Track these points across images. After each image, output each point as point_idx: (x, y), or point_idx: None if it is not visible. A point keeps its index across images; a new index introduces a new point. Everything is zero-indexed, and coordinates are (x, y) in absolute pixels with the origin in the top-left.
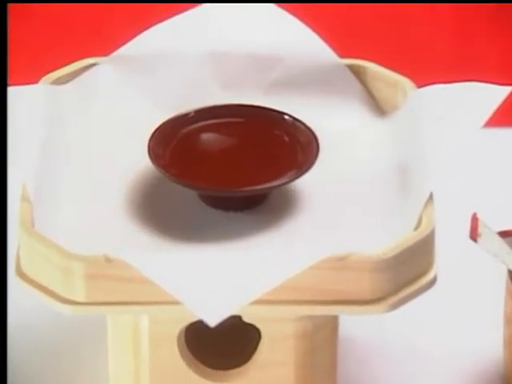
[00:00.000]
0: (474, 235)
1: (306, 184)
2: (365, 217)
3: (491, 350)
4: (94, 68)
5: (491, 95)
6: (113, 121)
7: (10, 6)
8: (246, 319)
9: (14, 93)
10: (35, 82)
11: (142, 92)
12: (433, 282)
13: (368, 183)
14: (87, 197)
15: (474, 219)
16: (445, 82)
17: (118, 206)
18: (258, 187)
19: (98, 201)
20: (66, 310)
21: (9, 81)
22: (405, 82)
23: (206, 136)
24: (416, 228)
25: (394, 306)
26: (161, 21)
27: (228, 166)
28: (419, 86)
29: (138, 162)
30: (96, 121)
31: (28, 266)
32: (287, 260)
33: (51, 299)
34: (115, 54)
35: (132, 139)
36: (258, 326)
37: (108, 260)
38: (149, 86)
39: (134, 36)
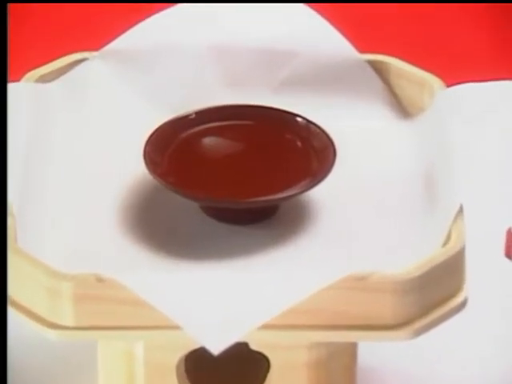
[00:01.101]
0: (509, 252)
1: (320, 194)
2: (386, 231)
3: None
4: (82, 64)
5: None
6: (104, 123)
7: (10, 6)
8: (253, 346)
9: None
10: None
11: (137, 91)
12: (463, 304)
13: (390, 194)
14: (76, 208)
15: (510, 234)
16: (477, 81)
17: (110, 218)
18: (267, 198)
19: (88, 213)
20: (52, 335)
21: (9, 81)
22: (432, 80)
23: (209, 140)
24: (444, 244)
25: (420, 332)
26: (159, 11)
27: (233, 175)
28: (448, 85)
29: (133, 170)
30: (86, 123)
31: (9, 286)
32: (299, 280)
33: (35, 323)
34: (107, 48)
35: (126, 144)
36: (267, 353)
37: (99, 279)
38: (145, 85)
39: (128, 28)
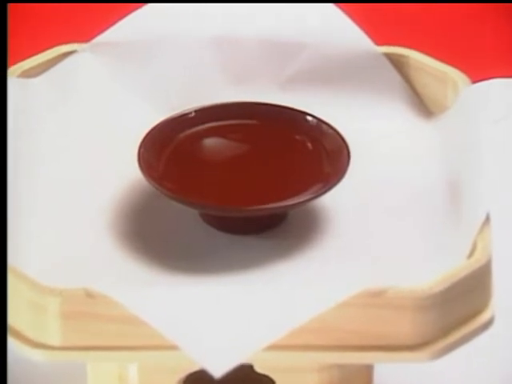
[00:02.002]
0: None
1: (332, 201)
2: (405, 242)
3: None
4: (71, 57)
5: None
6: (95, 122)
7: (10, 6)
8: (258, 369)
9: None
10: None
11: (131, 87)
12: (489, 322)
13: (410, 200)
14: (64, 216)
15: None
16: (505, 76)
17: (101, 227)
18: (274, 206)
19: (77, 220)
20: (37, 355)
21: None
22: (456, 75)
23: (210, 142)
24: (469, 256)
25: (442, 353)
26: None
27: (236, 180)
28: (474, 81)
29: (126, 174)
30: (74, 123)
31: None
32: (309, 296)
33: (19, 342)
34: (97, 39)
35: (119, 145)
36: (274, 376)
37: (89, 295)
38: (139, 80)
39: (121, 18)
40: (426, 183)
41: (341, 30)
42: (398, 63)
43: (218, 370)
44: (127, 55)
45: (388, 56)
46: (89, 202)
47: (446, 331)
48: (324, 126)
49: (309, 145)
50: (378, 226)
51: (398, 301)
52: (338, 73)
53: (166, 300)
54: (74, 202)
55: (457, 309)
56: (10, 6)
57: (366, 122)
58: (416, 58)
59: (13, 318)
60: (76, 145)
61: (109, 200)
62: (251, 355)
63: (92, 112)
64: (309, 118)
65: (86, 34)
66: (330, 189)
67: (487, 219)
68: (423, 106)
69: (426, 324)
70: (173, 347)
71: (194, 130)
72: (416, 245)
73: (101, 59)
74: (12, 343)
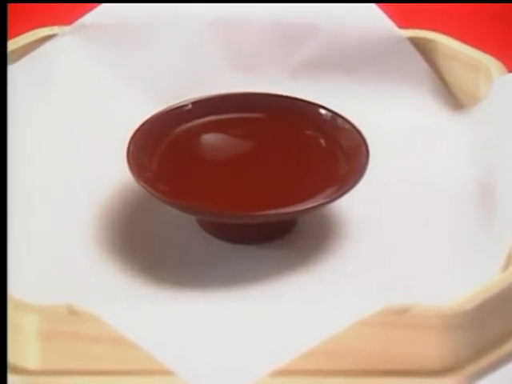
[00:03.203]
0: None
1: (348, 206)
2: (431, 252)
3: None
4: (51, 41)
5: None
6: (79, 115)
7: (10, 6)
8: None
9: None
10: None
11: (120, 75)
12: None
13: (436, 205)
14: (44, 223)
15: None
16: None
17: (86, 235)
18: (282, 211)
19: (58, 229)
20: (14, 380)
21: None
22: (490, 62)
23: (209, 138)
24: (503, 269)
25: (473, 379)
26: None
27: (239, 182)
28: (511, 70)
29: (114, 175)
30: (56, 115)
31: None
32: (321, 314)
33: None
34: (80, 21)
35: (106, 142)
36: None
37: (72, 312)
38: (129, 67)
39: None
40: (454, 185)
41: (358, 11)
42: (424, 49)
43: None
44: (114, 39)
45: (413, 40)
46: (72, 206)
47: (477, 354)
48: (339, 120)
49: (322, 141)
50: (400, 234)
51: (424, 320)
52: (355, 59)
53: (158, 319)
54: (54, 206)
55: (490, 328)
56: None
57: (387, 115)
58: (445, 43)
59: None
60: (57, 141)
61: (94, 204)
62: (255, 382)
63: (75, 104)
64: (322, 110)
65: (67, 16)
66: (345, 192)
67: None
68: (452, 98)
69: (455, 346)
70: (166, 372)
71: (190, 124)
72: (443, 256)
73: (84, 44)
74: None
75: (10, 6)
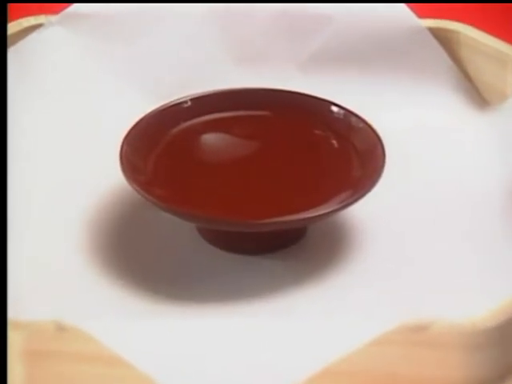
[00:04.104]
0: None
1: (362, 213)
2: (452, 264)
3: None
4: (36, 32)
5: None
6: (69, 112)
7: (10, 6)
8: None
9: None
10: None
11: (112, 69)
12: None
13: (458, 212)
14: (32, 230)
15: None
16: None
17: (76, 244)
18: (291, 219)
19: (47, 237)
20: None
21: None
22: None
23: (210, 138)
24: None
25: None
26: None
27: (243, 186)
28: None
29: (106, 177)
30: (43, 112)
31: None
32: (333, 331)
33: None
34: (68, 10)
35: (96, 141)
36: None
37: (60, 328)
38: (121, 60)
39: None
40: (478, 190)
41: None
42: (446, 40)
43: None
44: (105, 30)
45: (434, 31)
46: (60, 212)
47: (503, 375)
48: (353, 119)
49: (334, 142)
50: (418, 244)
51: (444, 338)
52: (370, 52)
53: (155, 336)
54: (41, 210)
55: None
56: None
57: (405, 113)
58: (469, 34)
59: None
60: (46, 140)
61: (84, 210)
62: None
63: (62, 100)
64: (334, 108)
65: (54, 5)
66: (359, 197)
67: None
68: (477, 94)
69: (478, 366)
70: None
71: (189, 123)
72: (465, 268)
73: (73, 35)
74: None
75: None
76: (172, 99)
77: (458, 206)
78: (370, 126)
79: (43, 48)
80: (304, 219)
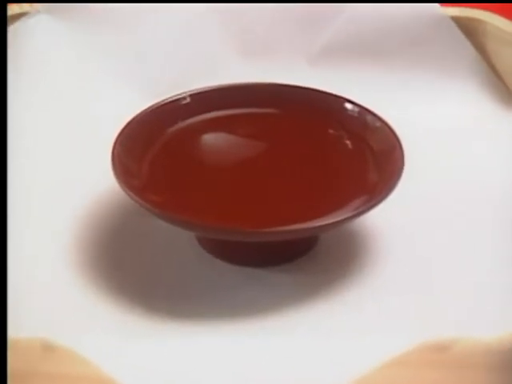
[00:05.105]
0: None
1: (379, 220)
2: (475, 277)
3: None
4: (21, 20)
5: None
6: (54, 109)
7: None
8: None
9: None
10: None
11: (103, 61)
12: None
13: (482, 219)
14: (18, 238)
15: None
16: None
17: (67, 255)
18: (300, 228)
19: (34, 248)
20: None
21: None
22: None
23: (210, 138)
24: None
25: None
26: None
27: (247, 191)
28: None
29: (99, 182)
30: (27, 107)
31: None
32: (347, 351)
33: None
34: None
35: (86, 141)
36: None
37: (47, 347)
38: (114, 52)
39: None
40: (504, 195)
41: None
42: (470, 30)
43: None
44: (96, 19)
45: (457, 20)
46: (49, 220)
47: None
48: (369, 117)
49: (348, 143)
50: (439, 255)
51: (469, 358)
52: (387, 43)
53: (150, 355)
54: (28, 217)
55: None
56: None
57: (426, 110)
58: (496, 23)
59: None
60: (33, 140)
61: (73, 217)
62: None
63: (50, 94)
64: (348, 105)
65: None
66: (376, 204)
67: None
68: (503, 88)
69: None
70: None
71: (188, 121)
72: (490, 282)
73: (60, 24)
74: None
75: None
76: (169, 95)
77: (480, 211)
78: (387, 125)
79: (28, 37)
80: (314, 228)
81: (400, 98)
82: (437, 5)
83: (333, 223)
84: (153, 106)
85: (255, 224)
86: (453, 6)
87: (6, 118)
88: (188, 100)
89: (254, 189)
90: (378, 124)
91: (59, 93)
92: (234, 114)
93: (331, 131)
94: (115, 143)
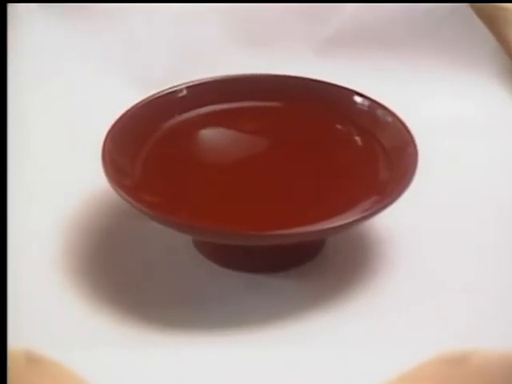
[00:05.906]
0: None
1: (388, 222)
2: (490, 284)
3: None
4: (8, 9)
5: None
6: (47, 103)
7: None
8: None
9: None
10: None
11: (95, 50)
12: None
13: (498, 222)
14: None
15: None
16: None
17: (55, 259)
18: (305, 230)
19: (19, 251)
20: None
21: None
22: None
23: (209, 134)
24: None
25: None
26: None
27: (248, 191)
28: None
29: (91, 181)
30: (15, 101)
31: None
32: (356, 363)
33: None
34: None
35: (77, 138)
36: None
37: (31, 359)
38: (106, 41)
39: None
40: None
41: None
42: (490, 19)
43: None
44: (87, 6)
45: (476, 7)
46: (36, 222)
47: None
48: (380, 112)
49: (357, 139)
50: (452, 260)
51: (487, 369)
52: (398, 32)
53: (140, 367)
54: (22, 221)
55: None
56: None
57: (441, 104)
58: None
59: None
60: (23, 137)
61: (61, 219)
62: None
63: (40, 85)
64: (357, 98)
65: None
66: (387, 205)
67: None
68: None
69: None
70: None
71: (185, 116)
72: (505, 288)
73: (49, 12)
74: None
75: None
76: (164, 88)
77: (496, 215)
78: (399, 120)
79: (17, 27)
80: (320, 231)
81: (412, 91)
82: None
83: (340, 226)
84: (146, 98)
85: (256, 227)
86: None
87: (6, 118)
88: (184, 92)
89: (255, 189)
90: (390, 119)
91: (43, 81)
92: (235, 107)
93: (339, 126)
94: (105, 139)
